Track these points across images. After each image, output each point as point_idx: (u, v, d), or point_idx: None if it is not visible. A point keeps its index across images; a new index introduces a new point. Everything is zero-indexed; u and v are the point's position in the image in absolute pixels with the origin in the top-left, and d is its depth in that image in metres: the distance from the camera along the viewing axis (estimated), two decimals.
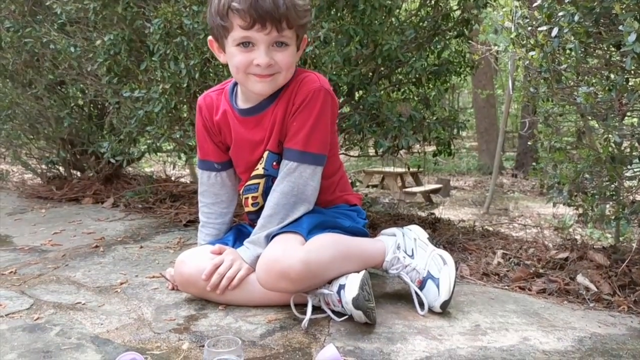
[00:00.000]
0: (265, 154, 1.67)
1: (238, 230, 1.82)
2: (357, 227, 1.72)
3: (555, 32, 1.73)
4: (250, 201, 1.76)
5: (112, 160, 2.80)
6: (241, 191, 1.79)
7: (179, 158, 2.94)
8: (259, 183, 1.72)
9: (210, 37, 1.62)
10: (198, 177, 1.85)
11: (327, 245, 1.53)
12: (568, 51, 1.81)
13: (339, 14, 2.17)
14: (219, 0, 1.49)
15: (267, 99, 1.63)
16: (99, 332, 1.43)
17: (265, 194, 1.72)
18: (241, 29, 1.46)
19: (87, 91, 3.01)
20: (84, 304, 1.63)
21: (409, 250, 1.70)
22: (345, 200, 1.79)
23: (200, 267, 1.60)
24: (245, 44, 1.50)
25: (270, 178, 1.70)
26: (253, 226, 1.80)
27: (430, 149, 2.70)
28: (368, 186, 9.69)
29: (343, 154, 2.79)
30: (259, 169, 1.70)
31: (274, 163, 1.67)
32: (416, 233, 1.75)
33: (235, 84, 1.70)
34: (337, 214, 1.73)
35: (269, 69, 1.51)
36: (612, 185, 1.90)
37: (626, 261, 1.90)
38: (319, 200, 1.72)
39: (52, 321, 1.50)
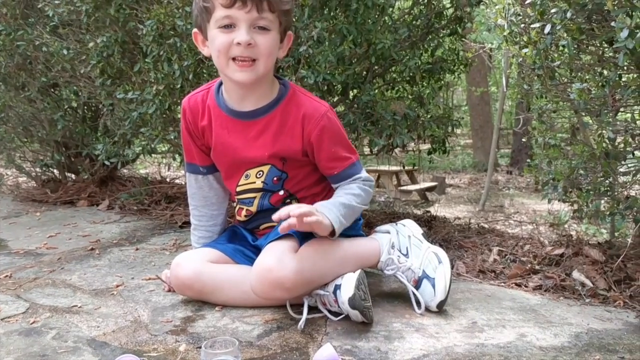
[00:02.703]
0: (267, 167, 1.64)
1: (232, 232, 1.81)
2: (353, 232, 1.71)
3: (548, 29, 1.73)
4: (243, 212, 1.74)
5: (107, 163, 2.78)
6: (235, 202, 1.77)
7: (174, 159, 2.94)
8: (254, 197, 1.69)
9: (195, 30, 1.60)
10: (186, 180, 1.83)
11: (321, 251, 1.52)
12: (561, 48, 1.82)
13: (332, 14, 2.17)
14: None
15: (262, 108, 1.61)
16: (96, 335, 1.43)
17: (260, 211, 1.70)
18: (222, 7, 1.45)
19: (80, 93, 2.99)
20: (80, 307, 1.63)
21: (404, 249, 1.70)
22: None
23: (197, 270, 1.60)
24: (227, 26, 1.47)
25: (267, 194, 1.68)
26: (246, 229, 1.80)
27: (425, 147, 2.70)
28: None
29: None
30: (257, 183, 1.66)
31: (275, 178, 1.65)
32: (410, 229, 1.74)
33: (221, 84, 1.67)
34: None
35: (249, 50, 1.47)
36: (607, 181, 1.90)
37: (621, 256, 1.90)
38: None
39: (49, 325, 1.50)
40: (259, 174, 1.66)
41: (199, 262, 1.63)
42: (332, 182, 1.67)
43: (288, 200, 1.69)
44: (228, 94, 1.64)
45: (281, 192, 1.68)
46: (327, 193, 1.73)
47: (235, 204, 1.78)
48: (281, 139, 1.59)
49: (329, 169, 1.64)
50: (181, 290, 1.66)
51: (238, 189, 1.70)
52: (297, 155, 1.62)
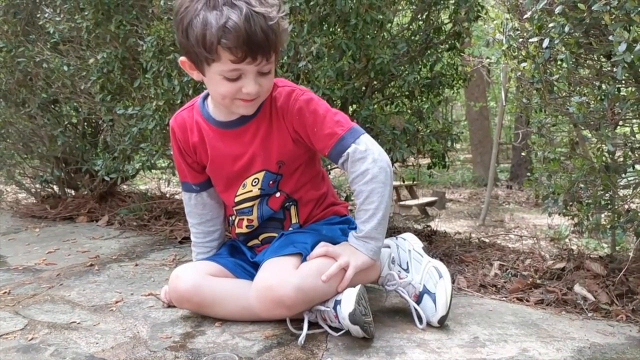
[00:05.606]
0: (262, 174, 1.63)
1: (232, 246, 1.80)
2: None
3: (546, 43, 1.74)
4: (245, 223, 1.72)
5: (107, 178, 2.79)
6: (232, 215, 1.75)
7: (174, 175, 2.94)
8: (252, 205, 1.68)
9: (183, 58, 1.52)
10: (183, 198, 1.83)
11: (322, 268, 1.50)
12: (559, 62, 1.83)
13: (331, 29, 2.18)
14: (203, 31, 1.38)
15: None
16: (94, 351, 1.42)
17: (261, 217, 1.69)
18: (231, 62, 1.41)
19: (80, 109, 3.01)
20: (78, 323, 1.62)
21: (404, 264, 1.69)
22: (336, 212, 1.77)
23: (196, 283, 1.59)
24: (233, 77, 1.45)
25: (265, 198, 1.66)
26: (245, 245, 1.78)
27: (425, 161, 2.71)
28: None
29: (338, 167, 2.79)
30: (254, 191, 1.65)
31: (271, 182, 1.64)
32: (410, 243, 1.73)
33: (206, 97, 1.66)
34: (333, 229, 1.71)
35: (254, 94, 1.49)
36: (607, 195, 1.90)
37: (623, 270, 1.90)
38: (311, 215, 1.71)
39: (47, 341, 1.48)
40: (255, 182, 1.64)
41: (199, 274, 1.61)
42: (335, 163, 1.60)
43: (287, 204, 1.69)
44: (217, 108, 1.63)
45: (277, 195, 1.66)
46: (324, 200, 1.74)
47: (233, 217, 1.77)
48: (275, 138, 1.59)
49: (322, 150, 1.58)
50: (180, 303, 1.64)
51: (236, 199, 1.69)
52: (294, 152, 1.61)
